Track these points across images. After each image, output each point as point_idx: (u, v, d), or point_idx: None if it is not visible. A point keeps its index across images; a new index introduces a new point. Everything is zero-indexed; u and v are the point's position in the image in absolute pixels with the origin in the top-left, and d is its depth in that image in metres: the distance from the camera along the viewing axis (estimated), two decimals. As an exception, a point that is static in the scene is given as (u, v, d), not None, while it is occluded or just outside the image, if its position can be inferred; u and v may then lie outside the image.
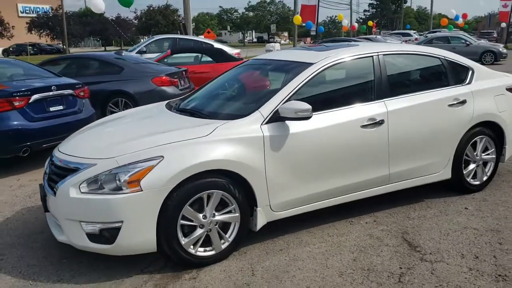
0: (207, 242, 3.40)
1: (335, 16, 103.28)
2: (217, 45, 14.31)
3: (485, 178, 4.70)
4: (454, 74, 4.52)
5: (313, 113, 3.63)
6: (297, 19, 28.30)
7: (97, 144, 3.58)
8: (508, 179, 5.08)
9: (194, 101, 4.33)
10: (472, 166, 4.58)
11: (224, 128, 3.45)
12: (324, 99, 3.95)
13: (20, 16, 67.51)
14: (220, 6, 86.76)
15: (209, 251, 3.41)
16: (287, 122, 3.58)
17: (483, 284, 3.04)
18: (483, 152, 4.64)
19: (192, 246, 3.33)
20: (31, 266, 3.47)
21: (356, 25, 60.12)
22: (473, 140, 4.51)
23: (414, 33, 42.27)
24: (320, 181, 3.75)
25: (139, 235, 3.14)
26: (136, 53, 14.14)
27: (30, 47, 52.90)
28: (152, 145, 3.26)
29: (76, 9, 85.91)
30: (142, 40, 42.86)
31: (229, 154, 3.34)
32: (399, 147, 4.05)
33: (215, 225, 3.38)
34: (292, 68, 3.98)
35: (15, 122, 5.69)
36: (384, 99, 4.03)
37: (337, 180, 3.83)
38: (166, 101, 4.64)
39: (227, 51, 12.90)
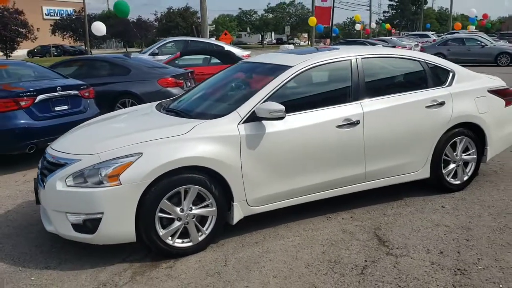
0: (185, 234, 3.63)
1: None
2: (227, 47, 14.57)
3: (465, 178, 4.81)
4: (434, 77, 4.66)
5: (291, 114, 3.86)
6: (312, 20, 28.42)
7: (84, 141, 3.84)
8: (492, 179, 5.18)
9: (182, 102, 4.57)
10: (452, 166, 4.71)
11: (202, 127, 3.67)
12: (302, 100, 4.15)
13: (45, 18, 69.24)
14: (240, 8, 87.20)
15: (186, 242, 3.63)
16: (263, 122, 3.78)
17: (441, 277, 3.20)
18: (464, 152, 4.76)
19: (170, 237, 3.56)
20: (23, 254, 3.75)
21: (373, 26, 59.70)
22: (453, 141, 4.64)
23: (432, 34, 41.83)
24: (296, 178, 3.94)
25: (119, 226, 3.39)
26: (149, 54, 14.52)
27: (54, 49, 54.19)
28: (132, 143, 3.50)
29: (100, 11, 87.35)
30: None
31: (206, 152, 3.56)
32: (375, 146, 4.21)
33: (192, 218, 3.60)
34: (272, 71, 4.18)
35: (21, 121, 6.02)
36: (361, 101, 4.20)
37: (313, 177, 4.01)
38: (158, 102, 4.89)
39: (237, 53, 13.14)
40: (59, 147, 3.85)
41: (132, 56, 9.94)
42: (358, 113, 4.13)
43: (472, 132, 4.74)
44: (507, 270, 3.24)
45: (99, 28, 19.96)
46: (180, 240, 3.61)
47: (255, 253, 3.63)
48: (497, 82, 5.06)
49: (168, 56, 12.71)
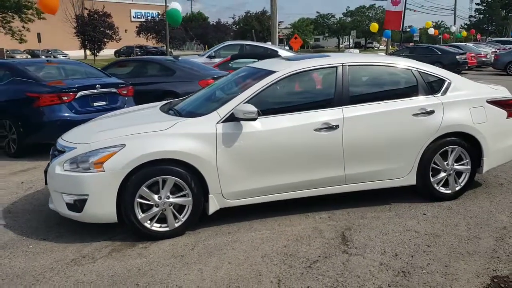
0: (163, 219, 4.04)
1: (441, 21, 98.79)
2: (282, 52, 14.90)
3: (457, 188, 4.79)
4: (426, 86, 4.70)
5: (270, 116, 4.19)
6: (374, 26, 27.89)
7: (85, 132, 4.40)
8: (492, 191, 5.09)
9: (183, 101, 5.00)
10: (442, 174, 4.72)
11: (183, 124, 4.08)
12: (282, 103, 4.43)
13: (132, 20, 74.00)
14: (317, 12, 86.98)
15: (164, 227, 4.05)
16: (242, 122, 4.11)
17: (382, 276, 3.34)
18: (457, 162, 4.74)
19: (148, 221, 3.99)
20: (30, 227, 4.37)
21: (453, 29, 56.90)
22: (443, 150, 4.65)
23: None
24: (271, 177, 4.22)
25: (101, 207, 3.88)
26: (206, 57, 15.24)
27: (138, 49, 57.61)
28: (119, 135, 3.99)
29: (183, 14, 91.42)
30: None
31: (182, 147, 3.95)
32: (355, 151, 4.37)
33: (169, 206, 4.01)
34: (260, 75, 4.49)
35: (63, 114, 6.81)
36: (343, 106, 4.38)
37: (289, 176, 4.27)
38: (170, 100, 5.37)
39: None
40: (65, 137, 4.44)
41: (180, 58, 10.59)
42: (338, 118, 4.32)
43: (466, 142, 4.71)
44: (449, 276, 3.31)
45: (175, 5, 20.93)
46: (158, 225, 4.04)
47: (223, 241, 3.97)
48: (500, 93, 4.97)
49: (220, 59, 13.30)
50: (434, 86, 4.75)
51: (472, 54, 25.18)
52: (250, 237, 4.04)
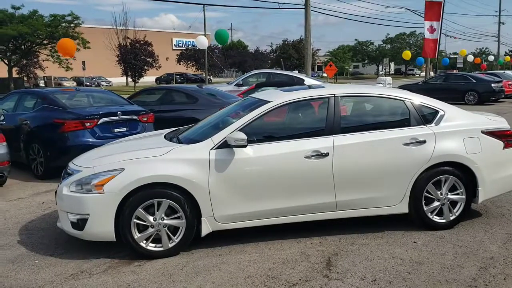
0: (158, 240, 4.31)
1: (485, 48, 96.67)
2: (308, 80, 15.17)
3: (452, 217, 4.82)
4: (418, 116, 4.81)
5: (262, 143, 4.43)
6: (406, 54, 27.78)
7: (92, 157, 4.75)
8: (490, 221, 5.07)
9: (188, 129, 5.31)
10: (436, 203, 4.77)
11: (178, 151, 4.37)
12: (274, 131, 4.66)
13: (173, 49, 76.59)
14: (356, 39, 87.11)
15: (158, 247, 4.30)
16: (234, 149, 4.36)
17: (355, 300, 3.45)
18: (451, 191, 4.79)
19: (144, 241, 4.26)
20: (42, 243, 4.74)
21: (491, 58, 55.59)
22: (437, 179, 4.72)
23: None
24: (263, 201, 4.42)
25: (100, 226, 4.19)
26: (234, 85, 15.73)
27: (178, 76, 59.48)
28: (120, 160, 4.33)
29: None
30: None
31: (176, 171, 4.23)
32: (345, 178, 4.52)
33: (164, 227, 4.27)
34: (256, 105, 4.75)
35: (86, 139, 7.28)
36: (333, 135, 4.56)
37: (279, 202, 4.46)
38: (180, 127, 5.70)
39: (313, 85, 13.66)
40: (75, 161, 4.81)
41: (204, 87, 11.04)
42: (328, 146, 4.50)
43: (460, 172, 4.77)
44: (421, 303, 3.39)
45: (202, 42, 22.00)
46: (153, 245, 4.30)
47: (212, 262, 4.18)
48: (496, 124, 5.01)
49: (246, 87, 13.71)
50: (427, 117, 4.85)
51: (510, 82, 24.62)
52: (238, 259, 4.24)
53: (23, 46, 38.55)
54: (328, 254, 4.32)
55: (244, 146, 4.28)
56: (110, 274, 3.99)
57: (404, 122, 4.81)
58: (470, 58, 47.34)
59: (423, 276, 3.80)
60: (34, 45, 39.02)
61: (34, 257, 4.41)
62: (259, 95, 5.28)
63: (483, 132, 4.88)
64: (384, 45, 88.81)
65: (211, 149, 4.36)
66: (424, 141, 4.68)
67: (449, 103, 5.24)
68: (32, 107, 8.15)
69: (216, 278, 3.87)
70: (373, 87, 5.63)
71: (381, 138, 4.63)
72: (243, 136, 4.25)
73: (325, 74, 35.60)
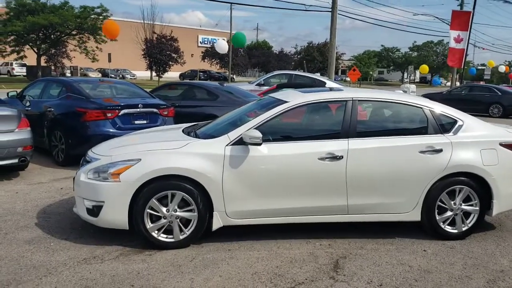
0: (170, 231, 4.39)
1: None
2: (329, 83, 15.14)
3: (464, 228, 4.79)
4: (436, 124, 4.78)
5: (278, 142, 4.47)
6: (424, 68, 27.48)
7: (111, 146, 4.86)
8: (504, 235, 5.02)
9: (206, 124, 5.38)
10: (449, 213, 4.74)
11: (194, 145, 4.45)
12: (290, 131, 4.70)
13: (199, 46, 77.15)
14: (382, 45, 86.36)
15: (170, 238, 4.38)
16: (249, 146, 4.41)
17: (359, 303, 3.47)
18: (465, 202, 4.76)
19: (156, 231, 4.35)
20: (58, 227, 4.87)
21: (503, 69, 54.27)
22: (451, 189, 4.69)
23: None
24: (273, 200, 4.46)
25: (114, 214, 4.29)
26: (256, 85, 15.78)
27: (201, 74, 59.87)
28: (138, 150, 4.42)
29: (249, 42, 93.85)
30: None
31: (192, 165, 4.31)
32: (358, 182, 4.53)
33: (176, 219, 4.35)
34: (273, 104, 4.80)
35: (106, 129, 7.42)
36: (349, 139, 4.57)
37: (291, 201, 4.49)
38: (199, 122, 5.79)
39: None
40: (94, 149, 4.93)
41: (225, 84, 11.13)
42: (343, 149, 4.51)
43: (475, 183, 4.73)
44: (425, 310, 3.38)
45: (222, 46, 22.23)
46: (164, 235, 4.38)
47: (221, 257, 4.24)
48: (516, 137, 4.95)
49: (267, 87, 13.76)
50: (445, 126, 4.82)
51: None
52: (247, 256, 4.29)
53: (52, 36, 39.29)
54: (336, 256, 4.33)
55: (259, 144, 4.33)
56: (121, 261, 4.09)
57: (421, 130, 4.79)
58: (502, 68, 46.21)
59: (430, 285, 3.80)
60: (63, 35, 39.74)
61: (50, 239, 4.54)
62: (277, 95, 5.33)
63: (501, 144, 4.83)
64: (410, 52, 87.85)
65: (226, 145, 4.43)
66: (440, 150, 4.65)
67: (473, 114, 5.20)
68: (57, 95, 8.34)
69: (224, 272, 3.93)
70: (393, 93, 5.61)
71: (397, 145, 4.62)
72: (258, 134, 4.30)
73: (348, 79, 35.52)
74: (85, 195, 4.45)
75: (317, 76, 17.74)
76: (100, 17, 39.35)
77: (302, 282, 3.79)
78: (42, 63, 41.06)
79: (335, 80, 19.71)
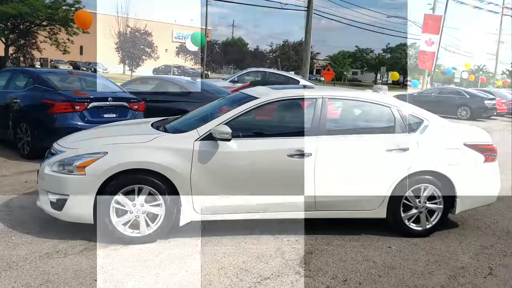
0: (136, 226, 4.33)
1: (483, 65, 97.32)
2: (303, 81, 15.24)
3: (428, 226, 4.89)
4: (403, 123, 4.86)
5: (247, 138, 4.46)
6: (394, 75, 28.07)
7: (77, 139, 4.76)
8: (467, 233, 5.15)
9: (176, 119, 5.33)
10: (413, 211, 4.83)
11: (162, 139, 4.40)
12: (260, 127, 4.70)
13: (173, 41, 76.31)
14: (356, 46, 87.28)
15: (136, 233, 4.33)
16: (219, 142, 4.39)
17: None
18: (430, 200, 4.86)
19: (122, 226, 4.28)
20: (20, 221, 4.75)
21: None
22: (416, 187, 4.78)
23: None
24: (243, 196, 4.46)
25: (79, 208, 4.21)
26: (229, 82, 15.76)
27: (175, 69, 59.31)
28: (104, 143, 4.35)
29: (224, 39, 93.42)
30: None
31: (159, 159, 4.26)
32: (326, 179, 4.57)
33: (143, 213, 4.30)
34: (244, 101, 4.79)
35: (74, 122, 7.27)
36: (317, 136, 4.61)
37: (260, 197, 4.49)
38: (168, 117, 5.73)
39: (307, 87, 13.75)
40: (60, 141, 4.82)
41: (197, 80, 11.07)
42: (312, 146, 4.54)
43: (440, 182, 4.83)
44: (387, 305, 3.45)
45: (192, 44, 22.23)
46: (130, 230, 4.32)
47: (188, 252, 4.22)
48: (480, 138, 5.08)
49: (241, 84, 13.74)
50: (412, 125, 4.91)
51: (503, 100, 24.87)
52: (214, 251, 4.27)
53: (21, 26, 38.23)
54: (303, 252, 4.36)
55: (228, 140, 4.31)
56: (85, 256, 4.01)
57: (389, 129, 4.86)
58: (465, 74, 47.54)
59: (393, 280, 3.87)
60: (33, 26, 38.71)
61: (11, 233, 4.42)
62: (248, 91, 5.32)
63: (465, 144, 4.94)
64: (384, 54, 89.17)
65: (195, 140, 4.39)
66: (406, 149, 4.74)
67: (441, 116, 5.31)
68: (24, 86, 8.12)
69: (190, 267, 3.91)
70: (363, 91, 5.68)
71: (364, 143, 4.68)
72: (227, 129, 4.28)
73: (322, 78, 35.81)
74: (49, 188, 4.35)
75: (291, 74, 17.81)
76: (72, 8, 38.49)
77: (268, 277, 3.80)
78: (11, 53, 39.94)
79: (309, 79, 19.85)
